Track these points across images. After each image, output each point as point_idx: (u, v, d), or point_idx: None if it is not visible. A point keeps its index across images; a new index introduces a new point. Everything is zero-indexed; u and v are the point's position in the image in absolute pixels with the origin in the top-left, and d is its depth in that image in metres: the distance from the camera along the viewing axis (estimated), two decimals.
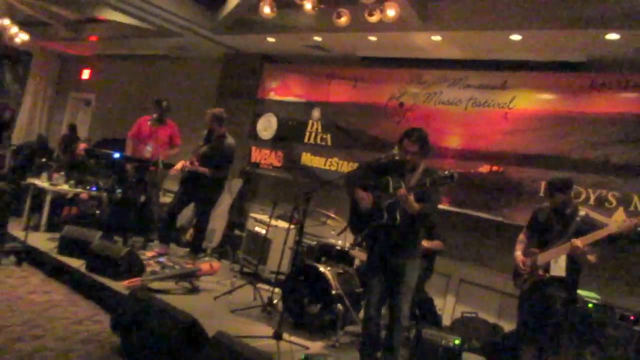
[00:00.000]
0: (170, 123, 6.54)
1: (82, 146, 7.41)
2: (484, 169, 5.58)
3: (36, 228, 6.34)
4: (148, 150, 6.07)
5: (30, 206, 6.56)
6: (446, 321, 5.49)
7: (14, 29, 8.21)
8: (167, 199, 7.15)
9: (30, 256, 5.47)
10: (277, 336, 3.91)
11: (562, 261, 3.81)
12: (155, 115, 6.43)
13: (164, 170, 6.39)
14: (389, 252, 3.73)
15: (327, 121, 7.09)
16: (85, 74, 11.69)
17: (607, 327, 4.16)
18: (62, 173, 6.75)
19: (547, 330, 3.87)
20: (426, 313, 4.95)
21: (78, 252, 5.30)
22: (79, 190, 6.65)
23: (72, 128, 9.23)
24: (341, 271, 4.76)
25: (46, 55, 11.95)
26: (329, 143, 7.00)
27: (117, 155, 7.05)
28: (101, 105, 11.11)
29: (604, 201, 4.79)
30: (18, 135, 11.39)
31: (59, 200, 6.66)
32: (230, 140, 5.99)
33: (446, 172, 3.39)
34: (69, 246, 5.44)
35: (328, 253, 5.17)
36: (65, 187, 6.56)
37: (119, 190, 6.74)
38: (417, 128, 3.84)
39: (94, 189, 6.73)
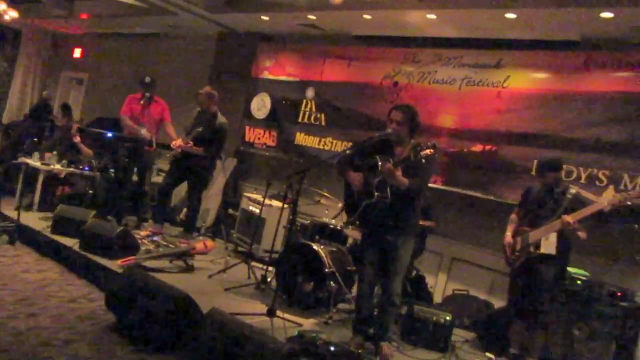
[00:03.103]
0: (160, 100, 6.49)
1: (74, 126, 7.36)
2: (477, 148, 5.60)
3: (29, 207, 6.32)
4: (146, 132, 6.04)
5: (23, 186, 6.55)
6: (438, 298, 5.56)
7: (3, 6, 8.08)
8: (159, 178, 7.15)
9: (23, 235, 5.47)
10: (271, 313, 3.95)
11: (552, 238, 3.87)
12: (143, 94, 6.34)
13: (158, 150, 6.38)
14: (382, 230, 3.76)
15: (321, 100, 7.06)
16: (77, 53, 11.55)
17: (595, 303, 4.23)
18: (55, 152, 6.71)
19: (536, 306, 3.94)
20: (418, 290, 5.01)
21: (71, 231, 5.29)
22: (71, 169, 6.63)
23: (65, 107, 9.13)
24: (334, 249, 4.79)
25: (36, 33, 11.77)
26: (323, 122, 6.99)
27: (110, 134, 7.03)
28: (94, 85, 11.00)
29: (595, 179, 4.82)
30: (9, 115, 11.30)
31: (52, 180, 6.64)
32: (222, 119, 5.97)
33: (428, 143, 3.45)
34: (62, 225, 5.43)
35: (321, 232, 5.20)
36: (58, 166, 6.54)
37: (112, 170, 6.73)
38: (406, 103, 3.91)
39: (86, 168, 6.71)
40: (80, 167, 6.71)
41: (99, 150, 7.27)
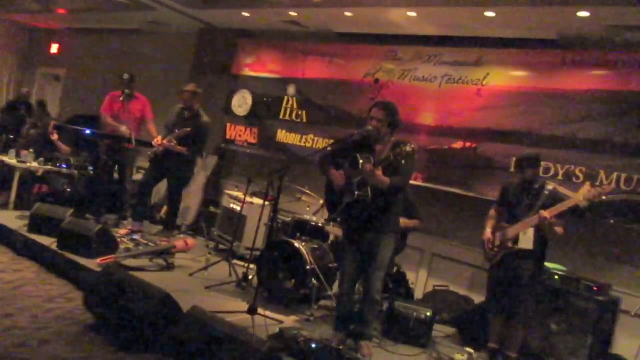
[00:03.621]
0: (141, 96, 6.42)
1: (52, 124, 7.24)
2: (457, 145, 5.64)
3: (5, 206, 6.22)
4: (126, 129, 5.97)
5: None
6: (419, 294, 5.61)
7: None
8: (139, 176, 7.07)
9: None
10: (252, 311, 3.94)
11: (530, 234, 3.92)
12: (123, 91, 6.27)
13: (138, 147, 6.30)
14: (363, 228, 3.77)
15: (303, 98, 7.04)
16: (54, 49, 11.34)
17: (571, 297, 4.30)
18: (31, 150, 6.60)
19: (514, 300, 3.99)
20: (399, 286, 5.04)
21: (49, 230, 5.21)
22: (49, 167, 6.52)
23: (41, 104, 9.01)
24: (316, 247, 4.80)
25: (12, 28, 11.52)
26: (305, 120, 6.97)
27: (88, 131, 6.94)
28: (72, 81, 10.82)
29: (571, 176, 4.89)
30: None
31: (29, 178, 6.53)
32: (206, 118, 5.94)
33: (408, 145, 3.49)
34: (39, 224, 5.34)
35: (303, 229, 5.20)
36: (35, 164, 6.43)
37: (90, 168, 6.64)
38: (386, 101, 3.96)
39: (64, 166, 6.60)
40: (58, 164, 6.61)
41: (78, 148, 7.16)
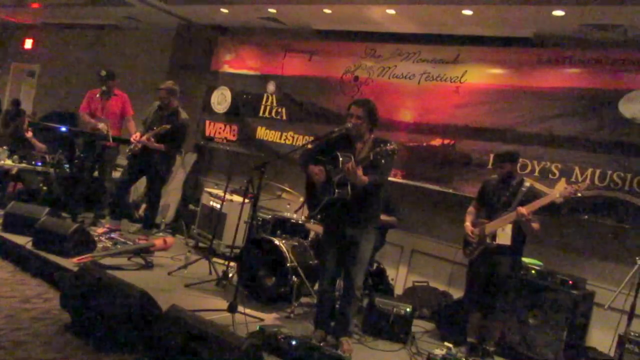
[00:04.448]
0: (120, 93, 6.33)
1: (27, 121, 7.10)
2: (436, 142, 5.70)
3: None
4: (103, 127, 5.88)
5: None
6: (399, 290, 5.65)
7: None
8: (117, 174, 6.98)
9: None
10: (232, 309, 3.93)
11: (508, 230, 3.99)
12: (101, 88, 6.19)
13: (118, 145, 6.22)
14: (344, 225, 3.79)
15: (282, 95, 7.03)
16: (28, 44, 11.11)
17: (548, 291, 4.38)
18: (5, 148, 6.46)
19: (492, 295, 4.06)
20: (379, 283, 5.07)
21: (24, 229, 5.10)
22: (23, 165, 6.39)
23: (16, 103, 8.82)
24: (296, 244, 4.80)
25: None
26: (284, 117, 6.96)
27: (63, 129, 6.82)
28: (46, 77, 10.61)
29: (547, 172, 4.98)
30: None
31: (3, 176, 6.39)
32: (184, 115, 5.88)
33: (388, 144, 3.52)
34: (14, 223, 5.22)
35: (283, 226, 5.20)
36: (9, 162, 6.29)
37: (66, 166, 6.53)
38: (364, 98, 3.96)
39: (39, 164, 6.48)
40: (33, 162, 6.48)
41: (54, 145, 7.04)
